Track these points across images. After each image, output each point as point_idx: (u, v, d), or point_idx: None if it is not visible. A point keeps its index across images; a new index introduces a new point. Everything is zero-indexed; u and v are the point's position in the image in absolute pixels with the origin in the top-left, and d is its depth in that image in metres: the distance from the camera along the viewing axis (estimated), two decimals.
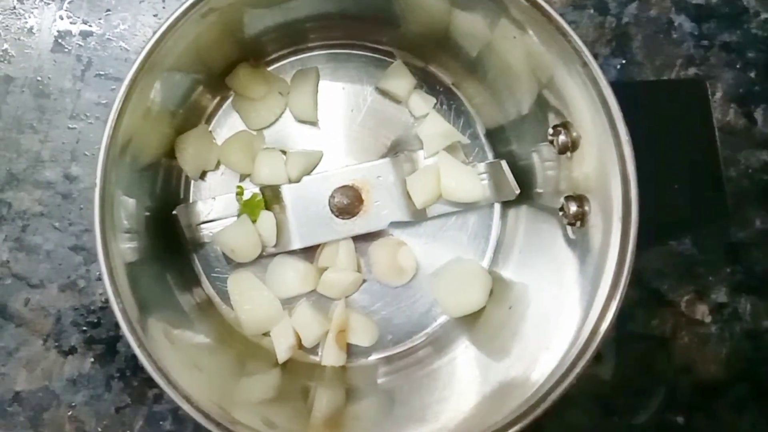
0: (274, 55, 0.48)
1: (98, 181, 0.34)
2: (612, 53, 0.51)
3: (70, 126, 0.48)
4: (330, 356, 0.46)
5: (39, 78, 0.48)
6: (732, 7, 0.52)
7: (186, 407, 0.34)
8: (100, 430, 0.48)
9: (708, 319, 0.52)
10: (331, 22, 0.46)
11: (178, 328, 0.41)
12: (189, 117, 0.46)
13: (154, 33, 0.35)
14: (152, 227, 0.42)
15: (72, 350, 0.48)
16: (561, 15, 0.51)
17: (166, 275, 0.43)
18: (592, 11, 0.51)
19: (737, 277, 0.52)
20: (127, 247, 0.38)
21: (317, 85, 0.48)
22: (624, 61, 0.51)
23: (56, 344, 0.48)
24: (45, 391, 0.48)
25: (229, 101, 0.48)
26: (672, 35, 0.51)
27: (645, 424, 0.51)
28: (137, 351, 0.34)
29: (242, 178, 0.47)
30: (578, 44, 0.35)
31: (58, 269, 0.48)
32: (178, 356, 0.38)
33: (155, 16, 0.49)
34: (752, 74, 0.52)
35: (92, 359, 0.48)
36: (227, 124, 0.48)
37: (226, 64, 0.46)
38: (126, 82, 0.34)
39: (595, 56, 0.51)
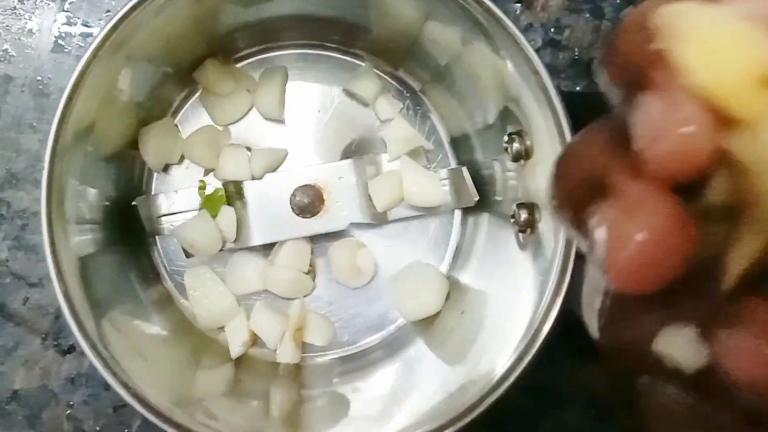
0: (243, 52, 0.48)
1: (46, 165, 0.35)
2: None
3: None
4: (286, 353, 0.46)
5: (39, 78, 0.49)
6: None
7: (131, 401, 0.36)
8: (98, 429, 0.48)
9: None
10: (304, 23, 0.46)
11: (136, 320, 0.42)
12: (155, 109, 0.46)
13: (120, 9, 0.35)
14: (112, 218, 0.43)
15: (70, 349, 0.48)
16: (556, 19, 0.52)
17: (125, 267, 0.44)
18: (587, 15, 0.51)
19: None
20: (84, 239, 0.39)
21: (285, 84, 0.48)
22: None
23: (55, 343, 0.48)
24: (43, 390, 0.48)
25: (196, 96, 0.48)
26: None
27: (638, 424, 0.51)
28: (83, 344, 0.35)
29: (206, 172, 0.47)
30: (528, 50, 0.35)
31: None
32: (130, 349, 0.38)
33: None
34: None
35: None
36: (193, 119, 0.48)
37: (194, 58, 0.46)
38: (84, 58, 0.35)
39: (591, 60, 0.52)
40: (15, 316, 0.48)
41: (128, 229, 0.44)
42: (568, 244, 0.34)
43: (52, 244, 0.34)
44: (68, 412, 0.48)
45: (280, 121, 0.48)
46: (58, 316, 0.48)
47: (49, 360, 0.48)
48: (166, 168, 0.47)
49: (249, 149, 0.47)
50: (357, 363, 0.46)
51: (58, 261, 0.34)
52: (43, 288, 0.48)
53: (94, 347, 0.35)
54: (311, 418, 0.42)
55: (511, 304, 0.38)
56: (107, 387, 0.47)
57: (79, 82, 0.35)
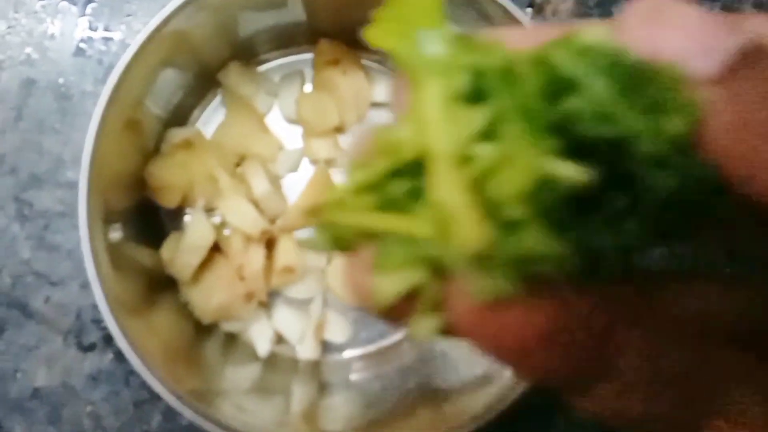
0: (264, 56, 0.49)
1: (85, 166, 0.36)
2: None
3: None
4: (307, 350, 0.46)
5: (61, 81, 0.50)
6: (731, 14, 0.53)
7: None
8: (118, 425, 0.49)
9: None
10: (319, 29, 0.47)
11: (165, 317, 0.43)
12: (178, 114, 0.47)
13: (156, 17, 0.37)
14: (138, 217, 0.44)
15: (91, 347, 0.49)
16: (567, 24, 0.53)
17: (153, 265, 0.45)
18: (597, 20, 0.53)
19: None
20: (114, 237, 0.40)
21: (303, 88, 0.49)
22: None
23: (76, 341, 0.49)
24: (64, 388, 0.49)
25: (216, 100, 0.49)
26: None
27: None
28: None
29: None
30: None
31: (79, 267, 0.49)
32: (161, 344, 0.39)
33: None
34: None
35: (111, 356, 0.49)
36: (215, 121, 0.48)
37: (219, 62, 0.47)
38: (123, 61, 0.37)
39: None
40: (36, 315, 0.49)
41: (152, 227, 0.45)
42: None
43: (92, 242, 0.35)
44: (89, 409, 0.49)
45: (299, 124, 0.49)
46: (79, 314, 0.49)
47: (70, 358, 0.49)
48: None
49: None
50: (375, 360, 0.47)
51: (96, 259, 0.35)
52: (65, 287, 0.49)
53: (130, 343, 0.35)
54: (330, 413, 0.43)
55: None
56: (128, 384, 0.49)
57: (114, 90, 0.36)
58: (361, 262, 0.17)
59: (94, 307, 0.48)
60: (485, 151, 0.14)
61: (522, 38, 0.17)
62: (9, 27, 0.50)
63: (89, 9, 0.50)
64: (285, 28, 0.46)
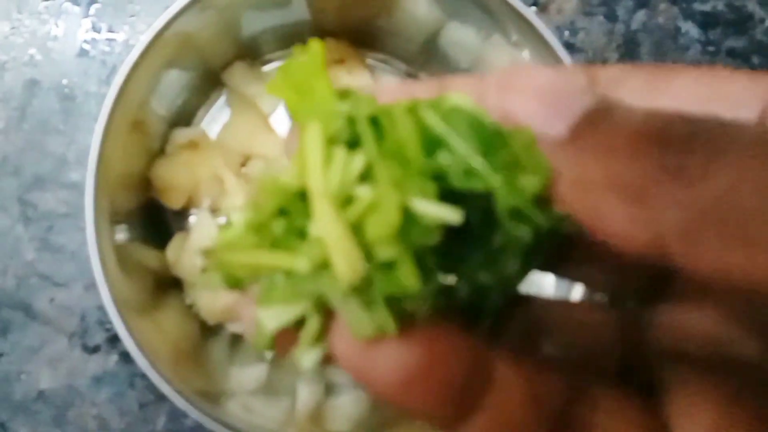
0: (268, 56, 0.49)
1: (92, 169, 0.36)
2: (620, 59, 0.52)
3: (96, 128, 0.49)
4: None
5: (65, 82, 0.50)
6: (738, 14, 0.53)
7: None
8: (123, 427, 0.49)
9: None
10: (324, 28, 0.47)
11: (171, 318, 0.43)
12: (182, 114, 0.47)
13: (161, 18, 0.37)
14: (144, 217, 0.44)
15: (96, 348, 0.49)
16: (571, 22, 0.53)
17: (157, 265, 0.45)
18: (601, 18, 0.53)
19: None
20: (120, 238, 0.40)
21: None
22: None
23: (81, 342, 0.49)
24: (69, 389, 0.49)
25: (220, 100, 0.49)
26: (679, 41, 0.53)
27: None
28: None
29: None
30: (556, 47, 0.36)
31: (83, 269, 0.49)
32: (168, 344, 0.39)
33: None
34: None
35: (116, 357, 0.49)
36: (220, 121, 0.48)
37: (222, 62, 0.47)
38: (127, 65, 0.37)
39: (605, 62, 0.53)
40: (41, 316, 0.49)
41: (157, 227, 0.45)
42: None
43: (98, 242, 0.35)
44: (94, 411, 0.49)
45: None
46: (84, 316, 0.49)
47: (74, 359, 0.49)
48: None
49: None
50: None
51: (103, 260, 0.35)
52: (69, 288, 0.49)
53: (137, 344, 0.35)
54: (337, 413, 0.43)
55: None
56: (133, 385, 0.49)
57: (121, 91, 0.36)
58: (249, 298, 0.18)
59: (99, 308, 0.48)
60: (362, 193, 0.16)
61: (395, 93, 0.18)
62: (12, 28, 0.50)
63: (92, 10, 0.50)
64: (289, 27, 0.46)
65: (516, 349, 0.17)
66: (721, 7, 0.53)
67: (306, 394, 0.44)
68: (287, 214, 0.17)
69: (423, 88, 0.18)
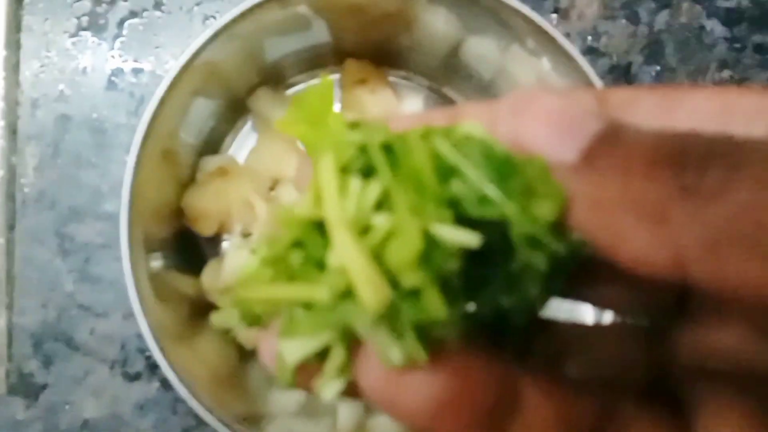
0: (292, 79, 0.50)
1: (125, 199, 0.36)
2: (646, 61, 0.52)
3: (127, 159, 0.50)
4: None
5: (95, 115, 0.51)
6: (762, 9, 0.52)
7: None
8: None
9: None
10: (345, 49, 0.47)
11: (208, 343, 0.43)
12: (210, 142, 0.48)
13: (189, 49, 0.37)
14: (177, 244, 0.44)
15: (137, 376, 0.50)
16: (593, 27, 0.52)
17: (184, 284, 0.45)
18: (624, 21, 0.52)
19: None
20: (155, 266, 0.40)
21: (332, 109, 0.49)
22: (659, 68, 0.52)
23: (122, 371, 0.50)
24: (113, 417, 0.50)
25: (247, 126, 0.49)
26: (704, 40, 0.52)
27: None
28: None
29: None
30: (575, 56, 0.36)
31: (121, 298, 0.50)
32: (207, 371, 0.40)
33: None
34: None
35: (158, 384, 0.50)
36: (247, 147, 0.49)
37: (248, 89, 0.48)
38: (157, 96, 0.37)
39: (629, 64, 0.52)
40: (82, 347, 0.50)
41: (192, 255, 0.46)
42: None
43: (134, 272, 0.36)
44: None
45: None
46: (124, 344, 0.50)
47: (117, 387, 0.50)
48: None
49: None
50: None
51: (139, 290, 0.36)
52: (109, 318, 0.50)
53: (176, 372, 0.36)
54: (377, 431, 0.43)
55: None
56: (175, 411, 0.49)
57: (151, 122, 0.36)
58: (271, 332, 0.18)
59: (139, 336, 0.49)
60: (380, 221, 0.16)
61: (408, 123, 0.18)
62: (42, 66, 0.51)
63: (118, 43, 0.51)
64: (311, 50, 0.46)
65: (542, 371, 0.17)
66: (745, 2, 0.52)
67: (346, 414, 0.44)
68: (304, 246, 0.17)
69: (436, 117, 0.19)
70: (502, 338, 0.17)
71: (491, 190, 0.16)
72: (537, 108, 0.16)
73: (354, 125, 0.18)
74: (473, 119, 0.17)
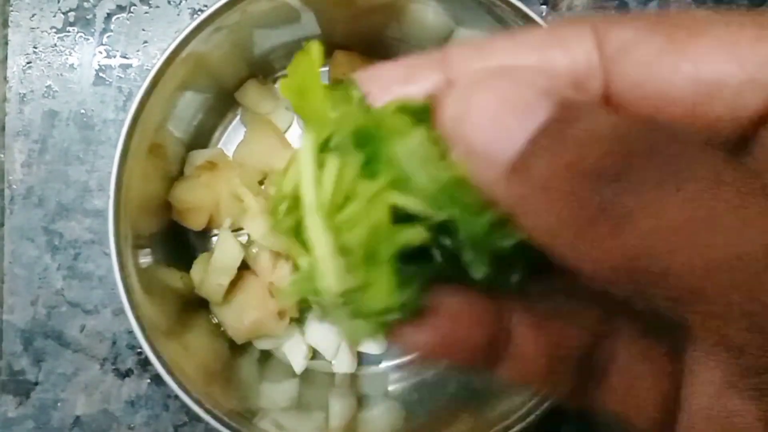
0: (280, 72, 0.49)
1: (111, 195, 0.36)
2: None
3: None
4: (342, 363, 0.46)
5: (83, 111, 0.50)
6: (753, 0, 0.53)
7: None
8: None
9: None
10: (334, 41, 0.47)
11: (199, 338, 0.43)
12: (199, 135, 0.47)
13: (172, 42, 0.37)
14: (167, 240, 0.44)
15: (129, 372, 0.50)
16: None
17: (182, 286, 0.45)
18: (613, 12, 0.52)
19: None
20: (144, 262, 0.40)
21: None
22: None
23: (113, 367, 0.49)
24: (104, 414, 0.49)
25: (237, 119, 0.49)
26: None
27: None
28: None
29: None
30: None
31: (111, 294, 0.49)
32: (197, 366, 0.39)
33: None
34: None
35: (149, 380, 0.49)
36: (236, 140, 0.48)
37: (236, 81, 0.47)
38: (142, 89, 0.37)
39: None
40: (73, 344, 0.49)
41: (182, 249, 0.46)
42: None
43: (122, 269, 0.35)
44: None
45: None
46: (115, 341, 0.49)
47: (108, 384, 0.50)
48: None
49: None
50: (412, 369, 0.47)
51: (128, 286, 0.35)
52: (99, 314, 0.50)
53: (167, 367, 0.35)
54: (370, 425, 0.43)
55: None
56: (167, 407, 0.49)
57: (137, 116, 0.36)
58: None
59: (129, 332, 0.49)
60: (348, 208, 0.17)
61: (388, 93, 0.19)
62: (29, 62, 0.51)
63: (105, 38, 0.51)
64: (300, 42, 0.46)
65: (534, 304, 0.19)
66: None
67: (338, 408, 0.44)
68: (295, 213, 0.18)
69: (423, 64, 0.19)
70: (495, 282, 0.18)
71: (439, 197, 0.17)
72: (485, 95, 0.16)
73: (336, 88, 0.19)
74: (459, 62, 0.18)
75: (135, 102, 0.37)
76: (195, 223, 0.44)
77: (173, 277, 0.43)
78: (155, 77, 0.37)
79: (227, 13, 0.37)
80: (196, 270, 0.44)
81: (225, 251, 0.42)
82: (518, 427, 0.35)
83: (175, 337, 0.40)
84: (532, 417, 0.35)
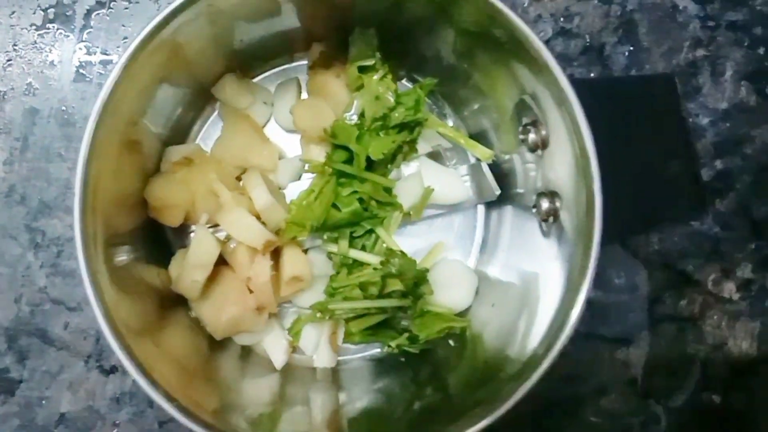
0: (258, 67, 0.49)
1: (77, 192, 0.35)
2: (619, 41, 0.51)
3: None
4: (323, 358, 0.46)
5: (63, 108, 0.50)
6: None
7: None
8: None
9: (736, 297, 0.52)
10: (312, 35, 0.47)
11: (176, 335, 0.43)
12: (177, 130, 0.47)
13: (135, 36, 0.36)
14: (144, 237, 0.43)
15: (113, 369, 0.50)
16: (565, 8, 0.52)
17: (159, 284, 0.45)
18: (596, 1, 0.51)
19: (762, 252, 0.52)
20: (119, 260, 0.39)
21: (299, 95, 0.48)
22: (632, 48, 0.51)
23: (98, 365, 0.50)
24: (89, 411, 0.50)
25: (214, 114, 0.48)
26: (677, 19, 0.52)
27: (682, 405, 0.52)
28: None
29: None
30: (536, 45, 0.35)
31: None
32: (172, 363, 0.39)
33: None
34: (761, 51, 0.52)
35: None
36: (215, 135, 0.48)
37: (213, 76, 0.47)
38: (106, 86, 0.35)
39: (603, 45, 0.52)
40: (57, 341, 0.49)
41: (160, 246, 0.45)
42: (589, 228, 0.34)
43: (89, 266, 0.35)
44: (115, 431, 0.49)
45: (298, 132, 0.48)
46: (99, 338, 0.49)
47: (93, 381, 0.50)
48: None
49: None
50: (391, 363, 0.47)
51: (96, 283, 0.35)
52: (82, 312, 0.49)
53: (137, 365, 0.35)
54: (352, 419, 0.43)
55: (541, 293, 0.38)
56: (151, 404, 0.49)
57: (104, 110, 0.35)
58: None
59: None
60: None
61: None
62: (9, 60, 0.50)
63: (85, 35, 0.50)
64: (279, 36, 0.46)
65: None
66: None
67: (320, 402, 0.43)
68: None
69: None
70: None
71: None
72: None
73: None
74: None
75: (104, 92, 0.35)
76: (171, 220, 0.44)
77: (151, 274, 0.43)
78: (125, 65, 0.35)
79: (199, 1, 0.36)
80: (174, 266, 0.44)
81: (200, 247, 0.42)
82: (489, 418, 0.35)
83: (152, 335, 0.39)
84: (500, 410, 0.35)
